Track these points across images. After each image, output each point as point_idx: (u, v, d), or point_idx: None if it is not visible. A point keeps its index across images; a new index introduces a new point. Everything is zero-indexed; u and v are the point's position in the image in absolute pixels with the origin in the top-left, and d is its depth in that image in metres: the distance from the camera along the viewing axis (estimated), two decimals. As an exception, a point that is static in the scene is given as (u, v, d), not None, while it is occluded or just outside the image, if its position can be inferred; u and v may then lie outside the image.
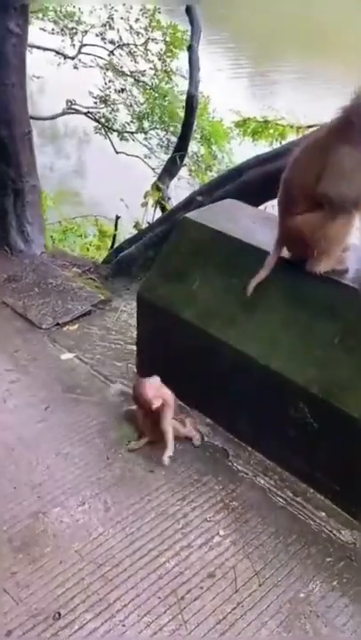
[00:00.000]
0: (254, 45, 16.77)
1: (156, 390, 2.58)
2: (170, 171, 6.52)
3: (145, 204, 4.89)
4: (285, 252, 2.59)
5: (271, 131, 7.65)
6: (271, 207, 4.02)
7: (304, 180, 2.39)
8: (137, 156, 10.53)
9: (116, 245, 5.43)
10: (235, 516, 2.38)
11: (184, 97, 7.62)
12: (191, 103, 6.48)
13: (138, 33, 11.05)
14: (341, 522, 2.36)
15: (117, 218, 6.35)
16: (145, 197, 4.93)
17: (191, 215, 3.03)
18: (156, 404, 2.55)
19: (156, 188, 5.08)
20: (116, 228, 6.33)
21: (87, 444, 2.69)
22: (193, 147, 9.62)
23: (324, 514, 2.40)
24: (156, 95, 10.82)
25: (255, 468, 2.59)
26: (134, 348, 3.22)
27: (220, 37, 15.99)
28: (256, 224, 2.88)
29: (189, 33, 7.31)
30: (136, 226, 4.93)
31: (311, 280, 2.48)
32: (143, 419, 2.66)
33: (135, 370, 3.15)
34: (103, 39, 11.40)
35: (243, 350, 2.56)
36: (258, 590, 2.12)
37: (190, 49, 6.58)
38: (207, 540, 2.29)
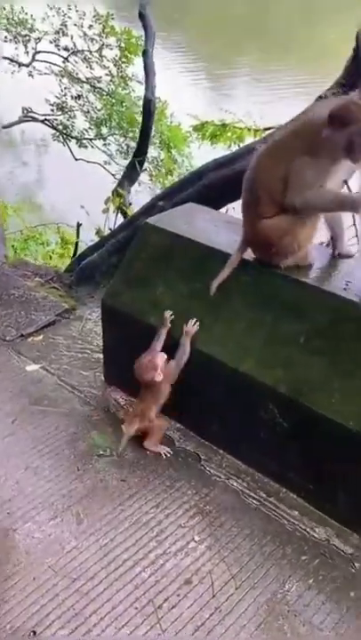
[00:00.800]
0: (210, 49, 16.90)
1: (163, 364, 2.57)
2: (130, 176, 6.49)
3: (106, 211, 4.87)
4: (249, 254, 2.59)
5: (229, 134, 7.68)
6: (232, 209, 4.06)
7: (269, 184, 2.38)
8: (97, 163, 10.46)
9: (78, 253, 5.38)
10: (209, 520, 2.37)
11: (142, 102, 7.61)
12: (148, 108, 6.47)
13: (92, 39, 10.99)
14: (315, 519, 2.38)
15: (79, 225, 6.29)
16: (106, 204, 4.91)
17: (152, 220, 3.02)
18: (158, 378, 2.55)
19: (116, 194, 5.06)
20: (77, 236, 6.27)
21: (57, 455, 2.65)
22: (153, 151, 9.61)
23: (297, 512, 2.41)
24: (114, 101, 10.77)
25: (228, 470, 2.59)
26: (101, 356, 3.18)
27: (175, 42, 16.07)
28: (217, 227, 2.89)
29: (144, 38, 7.31)
30: (98, 233, 4.89)
31: (275, 281, 2.50)
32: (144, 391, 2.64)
33: (103, 378, 3.11)
34: (57, 46, 11.30)
35: (210, 354, 2.55)
36: (235, 594, 2.11)
37: (145, 54, 6.57)
38: (182, 546, 2.27)
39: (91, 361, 3.25)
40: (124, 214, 5.08)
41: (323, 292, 2.38)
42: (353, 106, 2.17)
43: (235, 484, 2.53)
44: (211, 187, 4.02)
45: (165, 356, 2.59)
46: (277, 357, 2.40)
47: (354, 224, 4.63)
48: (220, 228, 2.87)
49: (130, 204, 5.52)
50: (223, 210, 3.98)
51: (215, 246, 2.69)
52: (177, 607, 2.07)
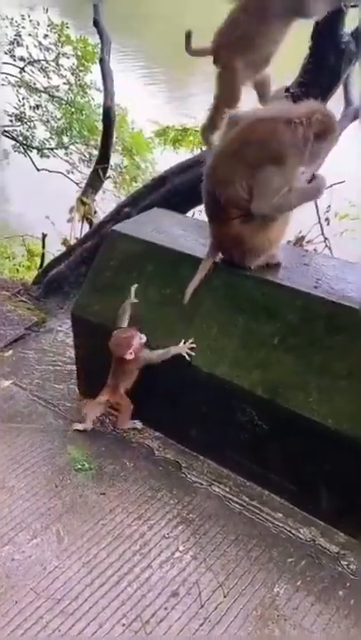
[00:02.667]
0: (167, 55, 16.95)
1: (138, 345, 2.58)
2: (93, 185, 6.42)
3: (71, 220, 4.82)
4: (219, 257, 2.58)
5: (191, 138, 7.71)
6: (198, 212, 4.04)
7: (231, 192, 2.34)
8: (59, 172, 10.36)
9: (45, 264, 5.29)
10: (193, 528, 2.34)
11: (102, 110, 7.56)
12: (108, 115, 6.41)
13: (48, 49, 10.90)
14: (299, 520, 2.36)
15: (44, 236, 6.19)
16: (70, 213, 4.85)
17: (119, 227, 2.98)
18: (129, 356, 2.56)
19: (81, 202, 5.00)
20: (43, 247, 6.18)
21: (33, 473, 2.58)
22: (116, 159, 9.55)
23: (281, 514, 2.39)
24: (73, 110, 10.69)
25: (209, 476, 2.56)
26: (74, 367, 3.12)
27: (133, 49, 16.07)
28: (186, 231, 2.87)
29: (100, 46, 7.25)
30: (64, 243, 4.84)
31: (246, 282, 2.49)
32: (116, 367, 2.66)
33: (77, 390, 3.05)
34: (12, 56, 11.17)
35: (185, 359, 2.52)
36: (223, 602, 2.08)
37: (102, 61, 6.50)
38: (167, 557, 2.23)
39: (64, 373, 3.19)
40: (90, 223, 5.02)
41: (294, 292, 2.37)
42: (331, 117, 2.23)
43: (217, 489, 2.50)
44: (175, 191, 3.99)
45: (144, 339, 2.59)
46: (252, 359, 2.38)
47: (319, 222, 4.67)
48: (189, 232, 2.84)
49: (95, 212, 5.46)
50: (189, 214, 3.96)
51: (185, 251, 2.67)
52: (165, 620, 2.03)
